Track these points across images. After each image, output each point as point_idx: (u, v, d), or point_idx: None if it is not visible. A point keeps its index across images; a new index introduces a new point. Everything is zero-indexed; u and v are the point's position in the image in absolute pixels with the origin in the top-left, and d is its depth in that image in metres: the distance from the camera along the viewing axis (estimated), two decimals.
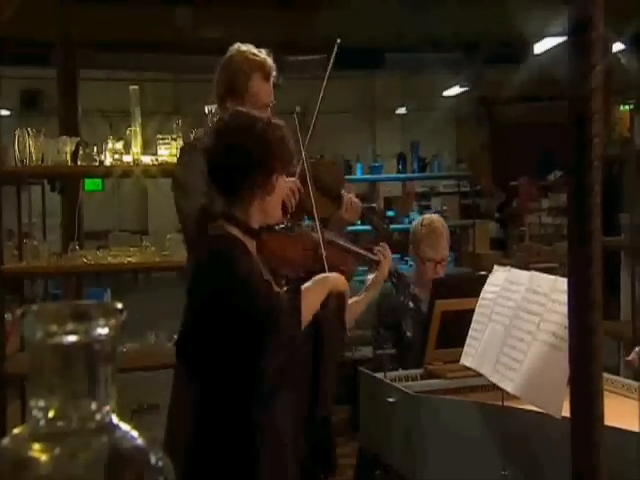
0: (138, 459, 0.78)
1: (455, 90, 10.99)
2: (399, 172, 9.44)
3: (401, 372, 3.52)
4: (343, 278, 2.67)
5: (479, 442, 2.96)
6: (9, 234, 5.19)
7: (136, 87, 4.67)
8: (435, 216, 4.35)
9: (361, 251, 2.92)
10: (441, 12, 7.93)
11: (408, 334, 3.93)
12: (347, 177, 8.92)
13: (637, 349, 3.79)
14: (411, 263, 4.67)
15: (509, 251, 10.14)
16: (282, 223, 2.64)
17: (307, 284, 2.56)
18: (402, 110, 13.01)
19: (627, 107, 6.08)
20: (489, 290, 3.08)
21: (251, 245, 2.50)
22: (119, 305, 0.81)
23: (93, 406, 0.78)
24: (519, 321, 2.73)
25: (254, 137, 2.46)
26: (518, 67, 8.67)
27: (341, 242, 2.91)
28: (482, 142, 13.35)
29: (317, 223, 2.76)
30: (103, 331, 0.77)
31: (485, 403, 2.97)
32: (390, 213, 9.11)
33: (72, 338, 0.76)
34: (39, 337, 0.76)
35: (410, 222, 8.39)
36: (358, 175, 9.16)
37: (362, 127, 12.68)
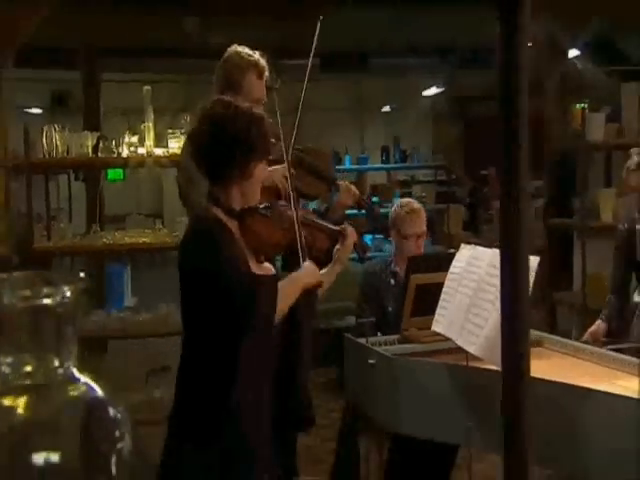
0: (98, 411, 0.78)
1: (432, 90, 10.97)
2: (383, 163, 9.51)
3: (380, 337, 3.54)
4: (317, 272, 2.55)
5: (447, 397, 2.98)
6: (39, 218, 5.17)
7: (149, 88, 4.65)
8: (412, 199, 4.38)
9: (330, 226, 2.81)
10: (419, 22, 7.91)
11: (389, 309, 3.93)
12: (337, 167, 8.95)
13: (591, 329, 3.81)
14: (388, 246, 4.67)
15: (479, 232, 10.15)
16: (262, 204, 2.50)
17: (282, 282, 2.45)
18: (386, 108, 12.98)
19: (581, 106, 6.07)
20: (456, 265, 3.09)
21: (233, 225, 2.40)
22: (81, 274, 0.82)
23: (56, 362, 0.79)
24: (481, 292, 2.75)
25: (233, 125, 2.34)
26: (486, 69, 8.65)
27: (313, 219, 2.80)
28: (456, 136, 13.33)
29: (293, 203, 2.65)
30: (66, 295, 0.78)
31: (452, 364, 2.99)
32: (374, 199, 9.15)
33: (39, 301, 0.77)
34: (9, 300, 0.76)
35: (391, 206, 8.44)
36: (347, 166, 9.19)
37: (351, 123, 12.65)
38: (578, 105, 6.17)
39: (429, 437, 3.16)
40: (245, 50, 3.24)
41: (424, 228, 4.08)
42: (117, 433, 0.78)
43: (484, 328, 2.64)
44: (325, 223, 2.81)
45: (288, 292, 2.43)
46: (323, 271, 2.65)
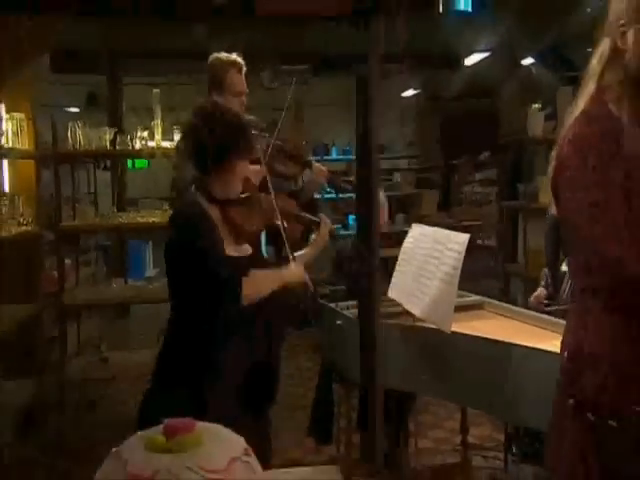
0: None
1: (410, 92, 10.96)
2: None
3: (349, 302, 3.56)
4: (302, 273, 2.46)
5: (401, 351, 3.00)
6: (67, 200, 5.18)
7: (158, 90, 4.66)
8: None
9: (307, 216, 2.79)
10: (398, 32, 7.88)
11: (357, 281, 3.96)
12: (325, 157, 8.99)
13: (535, 294, 3.83)
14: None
15: (450, 213, 10.14)
16: (242, 194, 2.42)
17: (265, 271, 2.38)
18: None
19: (535, 106, 6.05)
20: (408, 241, 3.11)
21: (214, 212, 2.32)
22: None
23: None
24: (426, 264, 2.76)
25: (214, 125, 2.29)
26: (454, 74, 8.67)
27: (290, 209, 2.70)
28: (431, 130, 13.27)
29: (272, 194, 2.57)
30: None
31: (403, 324, 3.01)
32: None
33: None
34: None
35: None
36: (334, 156, 9.25)
37: (340, 119, 12.59)
38: (533, 106, 6.16)
39: (388, 386, 3.19)
40: (224, 53, 3.29)
41: (385, 219, 4.14)
42: None
43: (426, 294, 2.66)
44: (303, 213, 2.76)
45: (266, 281, 2.35)
46: (300, 252, 2.59)
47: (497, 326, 3.06)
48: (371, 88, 0.75)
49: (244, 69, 3.24)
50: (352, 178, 10.11)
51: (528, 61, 7.40)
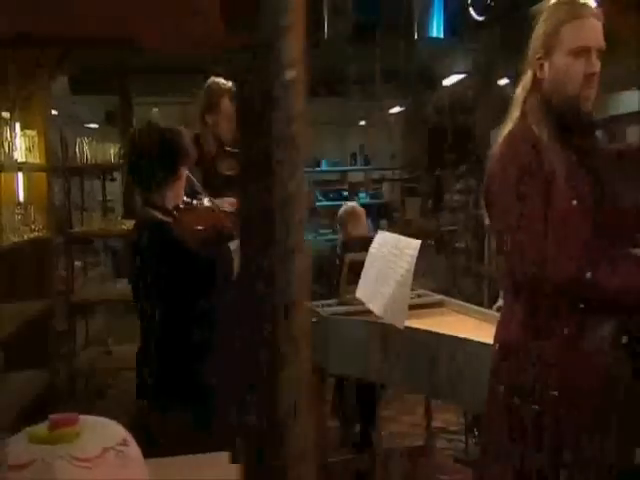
0: None
1: (396, 109, 10.99)
2: (351, 165, 9.68)
3: (324, 301, 3.59)
4: None
5: (367, 344, 3.03)
6: (77, 208, 5.21)
7: (157, 109, 4.71)
8: (355, 204, 4.41)
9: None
10: (384, 55, 7.95)
11: (334, 282, 3.99)
12: (316, 169, 9.06)
13: (496, 305, 3.84)
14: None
15: (431, 218, 10.16)
16: (183, 202, 2.37)
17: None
18: (362, 123, 12.97)
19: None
20: (373, 246, 3.14)
21: (169, 221, 2.27)
22: None
23: None
24: (385, 269, 2.80)
25: (161, 143, 2.25)
26: (436, 94, 8.72)
27: (219, 206, 2.65)
28: (416, 143, 13.29)
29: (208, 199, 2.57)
30: None
31: (369, 320, 3.04)
32: (345, 193, 9.35)
33: None
34: None
35: (359, 198, 8.68)
36: (323, 167, 9.38)
37: (332, 135, 12.63)
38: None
39: (359, 377, 3.22)
40: (221, 80, 3.28)
41: (365, 231, 4.18)
42: None
43: (384, 294, 2.69)
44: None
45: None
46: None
47: (454, 322, 3.09)
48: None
49: None
50: (345, 186, 10.12)
51: (504, 81, 7.44)
